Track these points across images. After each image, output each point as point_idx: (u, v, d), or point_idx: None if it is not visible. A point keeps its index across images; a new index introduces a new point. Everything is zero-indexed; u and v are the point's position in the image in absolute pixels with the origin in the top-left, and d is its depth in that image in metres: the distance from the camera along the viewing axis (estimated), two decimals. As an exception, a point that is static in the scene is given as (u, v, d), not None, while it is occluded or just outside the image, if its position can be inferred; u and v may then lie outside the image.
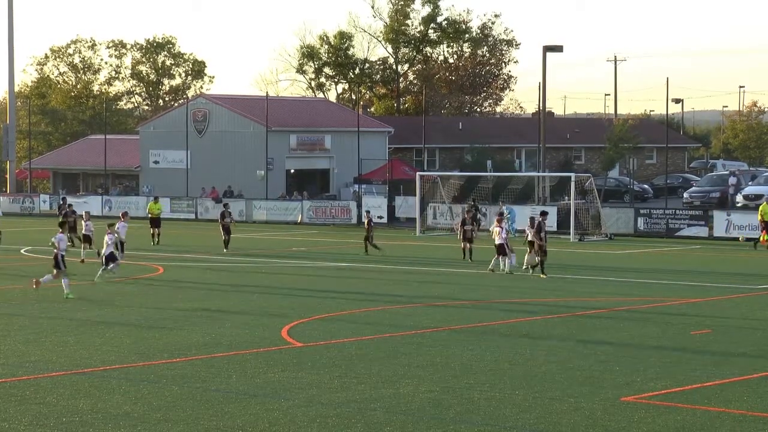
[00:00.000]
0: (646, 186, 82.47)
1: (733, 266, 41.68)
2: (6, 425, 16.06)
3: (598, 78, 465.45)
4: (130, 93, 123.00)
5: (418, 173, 63.47)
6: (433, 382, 19.04)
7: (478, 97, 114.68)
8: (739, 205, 61.82)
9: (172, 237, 53.99)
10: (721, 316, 27.80)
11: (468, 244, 42.56)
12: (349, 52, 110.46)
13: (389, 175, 73.02)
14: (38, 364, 20.83)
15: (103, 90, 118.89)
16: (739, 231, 53.61)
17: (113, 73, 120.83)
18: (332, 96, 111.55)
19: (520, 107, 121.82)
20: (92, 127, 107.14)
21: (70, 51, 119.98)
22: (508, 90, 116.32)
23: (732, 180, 67.25)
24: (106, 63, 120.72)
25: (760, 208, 50.44)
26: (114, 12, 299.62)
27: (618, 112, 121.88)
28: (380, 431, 15.77)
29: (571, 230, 54.22)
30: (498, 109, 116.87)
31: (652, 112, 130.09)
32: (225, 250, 46.85)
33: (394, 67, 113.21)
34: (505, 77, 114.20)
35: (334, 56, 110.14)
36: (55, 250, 31.46)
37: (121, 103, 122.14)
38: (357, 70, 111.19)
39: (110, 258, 34.86)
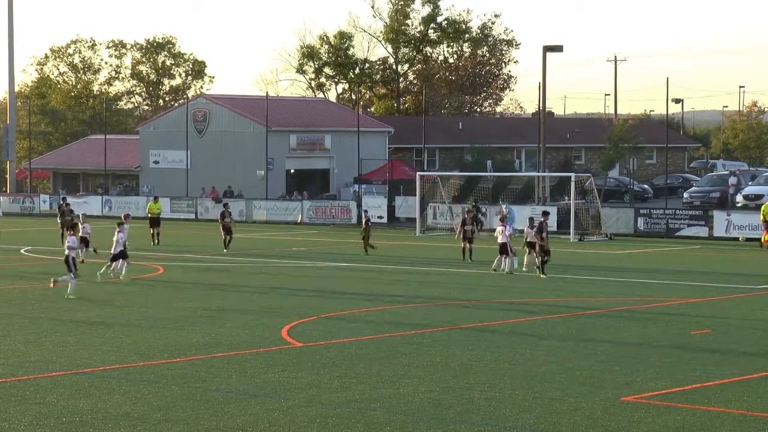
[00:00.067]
0: (646, 186, 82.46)
1: (733, 266, 41.68)
2: (6, 425, 16.06)
3: (598, 78, 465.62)
4: (130, 93, 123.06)
5: (418, 173, 63.47)
6: (433, 382, 19.04)
7: (478, 97, 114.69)
8: (739, 205, 61.81)
9: (172, 237, 53.99)
10: (721, 316, 27.80)
11: (468, 245, 42.55)
12: (349, 52, 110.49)
13: (389, 175, 73.02)
14: (38, 364, 20.82)
15: (103, 90, 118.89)
16: (739, 231, 53.61)
17: (113, 73, 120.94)
18: (332, 96, 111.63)
19: (520, 107, 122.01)
20: (92, 127, 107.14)
21: (70, 51, 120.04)
22: (508, 90, 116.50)
23: (732, 180, 67.24)
24: (106, 63, 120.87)
25: (763, 207, 50.49)
26: (114, 12, 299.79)
27: (618, 112, 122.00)
28: (380, 431, 15.77)
29: (571, 230, 54.22)
30: (498, 109, 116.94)
31: (652, 112, 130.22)
32: (225, 250, 46.85)
33: (394, 67, 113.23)
34: (505, 77, 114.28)
35: (334, 56, 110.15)
36: (66, 252, 31.51)
37: (121, 103, 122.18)
38: (357, 70, 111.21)
39: (119, 256, 34.90)
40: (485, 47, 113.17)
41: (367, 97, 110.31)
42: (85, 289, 32.89)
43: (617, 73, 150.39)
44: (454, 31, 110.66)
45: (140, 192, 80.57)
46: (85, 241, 42.05)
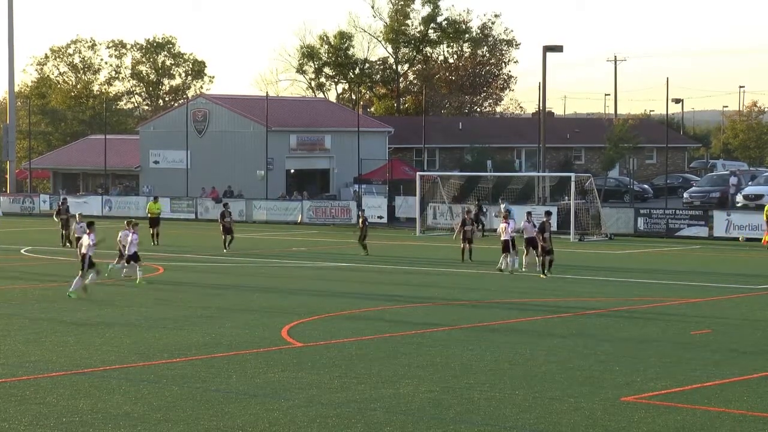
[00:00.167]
0: (646, 186, 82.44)
1: (733, 266, 41.68)
2: (6, 425, 16.06)
3: (598, 78, 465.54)
4: (130, 93, 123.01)
5: (418, 173, 63.47)
6: (433, 382, 19.04)
7: (478, 97, 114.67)
8: (738, 205, 61.81)
9: (172, 237, 53.99)
10: (721, 316, 27.80)
11: (468, 245, 42.53)
12: (349, 52, 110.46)
13: (389, 175, 73.02)
14: (38, 364, 20.83)
15: (103, 90, 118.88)
16: (739, 231, 53.62)
17: (113, 73, 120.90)
18: (332, 96, 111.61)
19: (520, 107, 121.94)
20: (92, 127, 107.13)
21: (70, 51, 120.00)
22: (508, 90, 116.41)
23: (733, 180, 67.24)
24: (106, 63, 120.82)
25: (766, 208, 50.57)
26: (114, 12, 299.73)
27: (618, 112, 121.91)
28: (380, 431, 15.77)
29: (571, 230, 54.23)
30: (498, 109, 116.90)
31: (652, 112, 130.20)
32: (225, 250, 46.85)
33: (394, 67, 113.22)
34: (505, 77, 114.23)
35: (334, 56, 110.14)
36: (84, 250, 31.53)
37: (121, 103, 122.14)
38: (357, 70, 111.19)
39: (134, 257, 34.86)
40: (485, 47, 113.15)
41: (367, 97, 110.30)
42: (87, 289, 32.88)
43: (617, 73, 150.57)
44: (454, 31, 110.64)
45: (140, 192, 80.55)
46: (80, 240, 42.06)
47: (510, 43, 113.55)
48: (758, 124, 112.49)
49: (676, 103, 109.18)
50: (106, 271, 35.11)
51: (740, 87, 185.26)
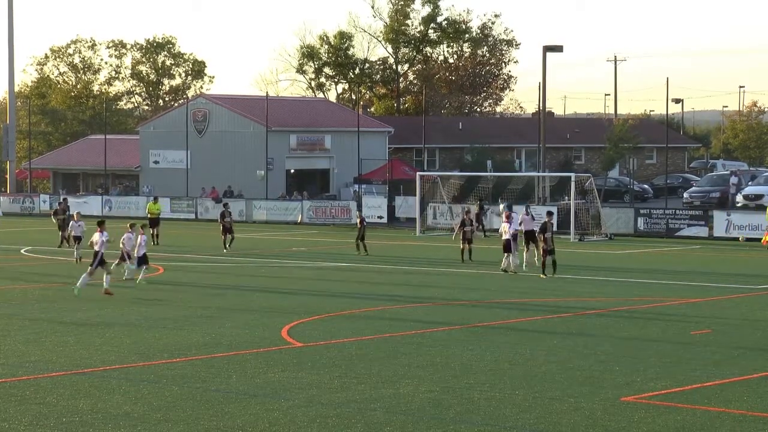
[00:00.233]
0: (646, 186, 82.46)
1: (733, 266, 41.68)
2: (6, 425, 16.06)
3: (598, 78, 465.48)
4: (130, 93, 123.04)
5: (418, 173, 63.47)
6: (433, 382, 19.04)
7: (478, 97, 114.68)
8: (739, 205, 61.81)
9: (172, 237, 53.99)
10: (721, 316, 27.80)
11: (468, 245, 42.53)
12: (349, 52, 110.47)
13: (389, 175, 73.03)
14: (38, 364, 20.83)
15: (103, 90, 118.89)
16: (739, 231, 53.62)
17: (113, 73, 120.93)
18: (332, 96, 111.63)
19: (520, 107, 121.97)
20: (92, 127, 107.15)
21: (70, 51, 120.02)
22: (508, 90, 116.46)
23: (733, 179, 67.24)
24: (106, 63, 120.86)
25: None
26: (114, 12, 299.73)
27: (618, 112, 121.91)
28: (380, 431, 15.77)
29: (571, 230, 54.23)
30: (498, 109, 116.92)
31: (652, 112, 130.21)
32: (224, 250, 46.86)
33: (394, 67, 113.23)
34: (505, 77, 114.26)
35: (334, 56, 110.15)
36: (97, 248, 31.55)
37: (121, 103, 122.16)
38: (357, 70, 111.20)
39: (143, 260, 34.85)
40: (485, 47, 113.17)
41: (367, 97, 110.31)
42: (87, 289, 32.88)
43: (617, 73, 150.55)
44: (454, 31, 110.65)
45: (140, 192, 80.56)
46: (78, 239, 42.04)
47: (510, 43, 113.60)
48: (758, 124, 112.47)
49: (676, 103, 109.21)
50: (119, 273, 35.17)
51: (740, 87, 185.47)
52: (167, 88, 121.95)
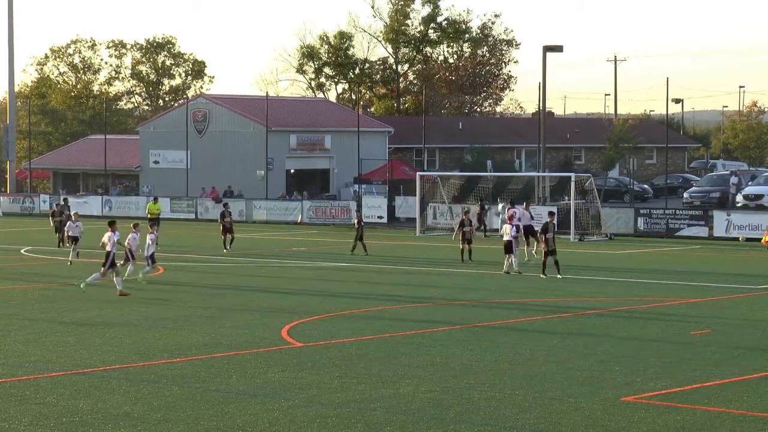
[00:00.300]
0: (646, 186, 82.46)
1: (733, 266, 41.68)
2: (6, 425, 16.06)
3: (598, 78, 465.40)
4: (130, 93, 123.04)
5: (418, 173, 63.47)
6: (433, 382, 19.04)
7: (478, 97, 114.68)
8: (739, 205, 61.81)
9: (172, 237, 53.98)
10: (721, 316, 27.80)
11: (467, 245, 42.53)
12: (349, 52, 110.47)
13: (389, 175, 73.03)
14: (38, 364, 20.83)
15: (103, 90, 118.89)
16: (739, 231, 53.61)
17: (113, 73, 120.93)
18: (332, 96, 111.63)
19: (520, 107, 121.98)
20: (92, 127, 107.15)
21: (70, 51, 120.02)
22: (508, 90, 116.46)
23: (734, 179, 67.25)
24: (106, 63, 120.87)
25: None
26: (114, 12, 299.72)
27: (618, 112, 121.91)
28: (380, 431, 15.77)
29: (571, 230, 54.22)
30: (498, 109, 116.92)
31: (652, 112, 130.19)
32: (224, 250, 46.86)
33: (394, 67, 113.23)
34: (505, 77, 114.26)
35: (334, 56, 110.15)
36: (109, 248, 31.57)
37: (121, 103, 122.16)
38: (357, 70, 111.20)
39: (152, 258, 34.89)
40: (485, 47, 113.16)
41: (367, 97, 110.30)
42: (87, 289, 32.91)
43: (617, 73, 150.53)
44: (454, 31, 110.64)
45: (140, 192, 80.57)
46: (75, 240, 41.87)
47: (510, 43, 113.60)
48: (758, 124, 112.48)
49: (676, 103, 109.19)
50: (131, 274, 35.18)
51: (740, 87, 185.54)
52: (167, 88, 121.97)
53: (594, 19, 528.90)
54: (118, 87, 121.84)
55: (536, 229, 42.65)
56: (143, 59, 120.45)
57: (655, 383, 18.93)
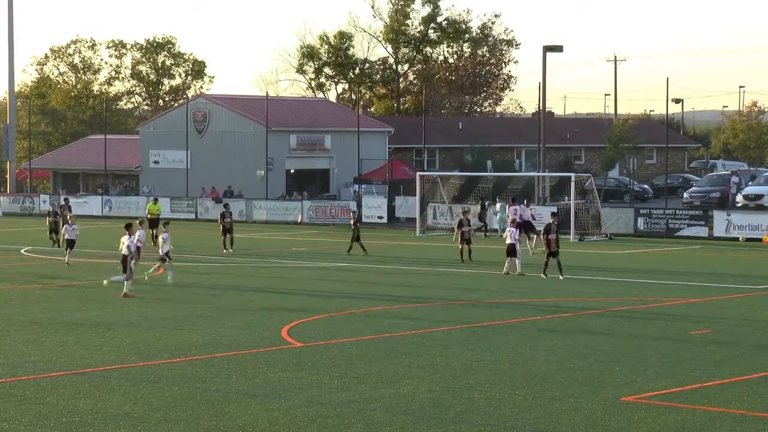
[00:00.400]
0: (646, 186, 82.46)
1: (733, 266, 41.68)
2: (6, 425, 16.06)
3: (598, 78, 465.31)
4: (130, 93, 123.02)
5: (418, 173, 63.46)
6: (433, 382, 19.04)
7: (478, 97, 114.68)
8: (739, 205, 61.82)
9: (172, 237, 53.80)
10: (721, 316, 27.80)
11: (467, 246, 42.55)
12: (349, 52, 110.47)
13: (389, 175, 73.03)
14: (38, 364, 20.83)
15: (103, 90, 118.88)
16: (739, 231, 53.63)
17: (113, 73, 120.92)
18: (332, 96, 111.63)
19: (520, 107, 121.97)
20: (92, 127, 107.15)
21: (70, 51, 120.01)
22: (508, 90, 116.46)
23: (734, 179, 67.25)
24: (106, 63, 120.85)
25: None
26: (114, 12, 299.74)
27: (618, 112, 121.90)
28: (380, 431, 15.77)
29: (571, 230, 54.21)
30: (498, 109, 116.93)
31: (652, 112, 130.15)
32: (224, 250, 46.84)
33: (394, 67, 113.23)
34: (505, 77, 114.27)
35: (334, 56, 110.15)
36: (124, 252, 31.58)
37: (121, 103, 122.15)
38: (357, 70, 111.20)
39: (167, 256, 34.91)
40: (485, 47, 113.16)
41: (367, 97, 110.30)
42: (87, 289, 32.91)
43: (617, 73, 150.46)
44: (454, 31, 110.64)
45: (140, 192, 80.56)
46: (71, 244, 41.33)
47: (510, 43, 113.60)
48: (758, 124, 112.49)
49: (676, 103, 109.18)
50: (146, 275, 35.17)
51: (740, 87, 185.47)
52: (167, 88, 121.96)
53: (594, 19, 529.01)
54: (118, 87, 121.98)
55: (538, 228, 43.02)
56: (143, 59, 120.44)
57: (655, 383, 18.93)
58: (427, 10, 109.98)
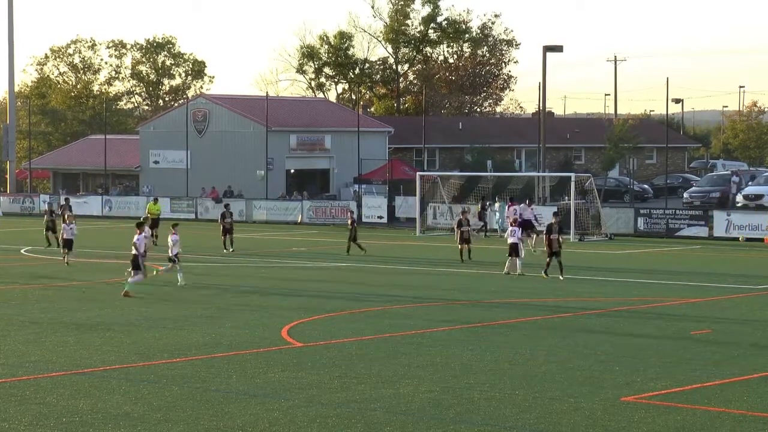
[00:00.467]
0: (646, 186, 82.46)
1: (733, 266, 41.68)
2: (6, 425, 16.06)
3: (598, 78, 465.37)
4: (130, 93, 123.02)
5: (418, 173, 63.46)
6: (433, 382, 19.04)
7: (478, 97, 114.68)
8: (739, 205, 61.82)
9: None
10: (721, 316, 27.80)
11: (466, 245, 42.55)
12: (349, 52, 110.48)
13: (389, 175, 73.03)
14: (38, 364, 20.82)
15: (103, 90, 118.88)
16: (739, 231, 53.62)
17: (113, 73, 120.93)
18: (332, 96, 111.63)
19: (520, 107, 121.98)
20: (92, 127, 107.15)
21: (70, 51, 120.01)
22: (508, 90, 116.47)
23: (735, 179, 67.24)
24: (106, 63, 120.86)
25: None
26: (114, 12, 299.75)
27: (618, 112, 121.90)
28: (380, 431, 15.77)
29: (571, 230, 54.20)
30: (498, 109, 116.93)
31: (652, 112, 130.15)
32: (225, 251, 46.84)
33: (394, 67, 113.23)
34: (505, 77, 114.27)
35: (334, 56, 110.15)
36: (135, 252, 31.59)
37: (121, 103, 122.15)
38: (357, 70, 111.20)
39: (176, 258, 34.89)
40: (485, 47, 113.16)
41: (367, 97, 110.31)
42: (87, 290, 32.91)
43: (617, 73, 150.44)
44: (454, 31, 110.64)
45: (140, 192, 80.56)
46: (69, 244, 41.20)
47: (510, 43, 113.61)
48: (758, 124, 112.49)
49: (676, 103, 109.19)
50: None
51: (740, 87, 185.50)
52: (167, 88, 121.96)
53: (594, 19, 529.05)
54: (118, 87, 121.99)
55: (540, 229, 43.16)
56: (143, 59, 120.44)
57: (655, 383, 18.93)
58: (427, 10, 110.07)
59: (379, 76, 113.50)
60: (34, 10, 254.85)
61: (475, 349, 22.38)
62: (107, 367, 20.58)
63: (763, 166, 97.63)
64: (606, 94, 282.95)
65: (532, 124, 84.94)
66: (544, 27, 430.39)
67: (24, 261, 43.81)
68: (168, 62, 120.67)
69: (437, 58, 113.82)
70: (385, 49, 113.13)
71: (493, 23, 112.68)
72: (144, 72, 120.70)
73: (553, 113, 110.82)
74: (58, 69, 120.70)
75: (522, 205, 47.26)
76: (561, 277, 35.73)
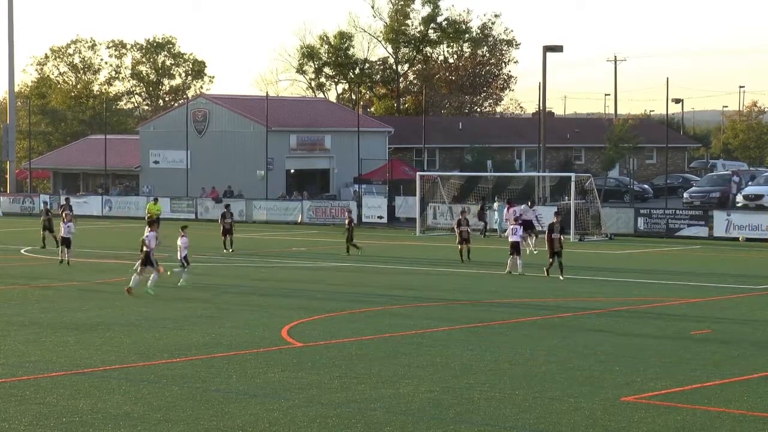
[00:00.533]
0: (646, 186, 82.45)
1: (733, 266, 41.68)
2: (6, 425, 16.06)
3: (598, 78, 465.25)
4: (130, 93, 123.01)
5: (418, 173, 63.46)
6: (433, 382, 19.04)
7: (478, 97, 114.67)
8: (739, 205, 61.82)
9: (172, 237, 53.86)
10: (721, 316, 27.80)
11: (466, 245, 42.55)
12: (349, 52, 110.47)
13: (389, 175, 73.03)
14: (38, 364, 20.83)
15: (103, 90, 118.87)
16: (739, 231, 53.61)
17: (113, 73, 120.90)
18: (332, 96, 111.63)
19: (520, 107, 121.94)
20: (92, 127, 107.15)
21: (70, 51, 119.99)
22: (508, 90, 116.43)
23: (735, 179, 67.22)
24: (106, 63, 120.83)
25: None
26: (114, 12, 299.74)
27: (618, 112, 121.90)
28: (380, 431, 15.77)
29: (571, 230, 54.20)
30: (498, 109, 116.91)
31: (652, 112, 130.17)
32: (224, 251, 46.84)
33: (394, 67, 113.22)
34: (505, 77, 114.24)
35: (334, 56, 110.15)
36: (146, 248, 31.63)
37: (121, 103, 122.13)
38: (357, 70, 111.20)
39: (186, 260, 34.93)
40: (485, 47, 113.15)
41: (367, 97, 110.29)
42: (87, 290, 32.92)
43: (617, 73, 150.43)
44: (454, 31, 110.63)
45: (140, 192, 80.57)
46: (67, 242, 41.14)
47: (510, 43, 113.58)
48: (758, 124, 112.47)
49: (676, 103, 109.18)
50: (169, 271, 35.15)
51: (740, 87, 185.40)
52: (167, 88, 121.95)
53: (594, 19, 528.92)
54: (118, 87, 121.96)
55: (542, 230, 43.22)
56: (143, 59, 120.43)
57: (655, 383, 18.93)
58: (427, 10, 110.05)
59: (379, 76, 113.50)
60: (34, 10, 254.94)
61: (475, 349, 22.38)
62: (107, 367, 20.58)
63: (763, 166, 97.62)
64: (606, 94, 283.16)
65: (532, 124, 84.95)
66: (544, 27, 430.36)
67: (24, 261, 43.82)
68: (168, 62, 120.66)
69: (437, 58, 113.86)
70: (385, 49, 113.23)
71: (493, 23, 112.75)
72: (144, 72, 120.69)
73: (553, 113, 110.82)
74: (58, 69, 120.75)
75: (524, 206, 47.25)
76: (561, 277, 35.73)
